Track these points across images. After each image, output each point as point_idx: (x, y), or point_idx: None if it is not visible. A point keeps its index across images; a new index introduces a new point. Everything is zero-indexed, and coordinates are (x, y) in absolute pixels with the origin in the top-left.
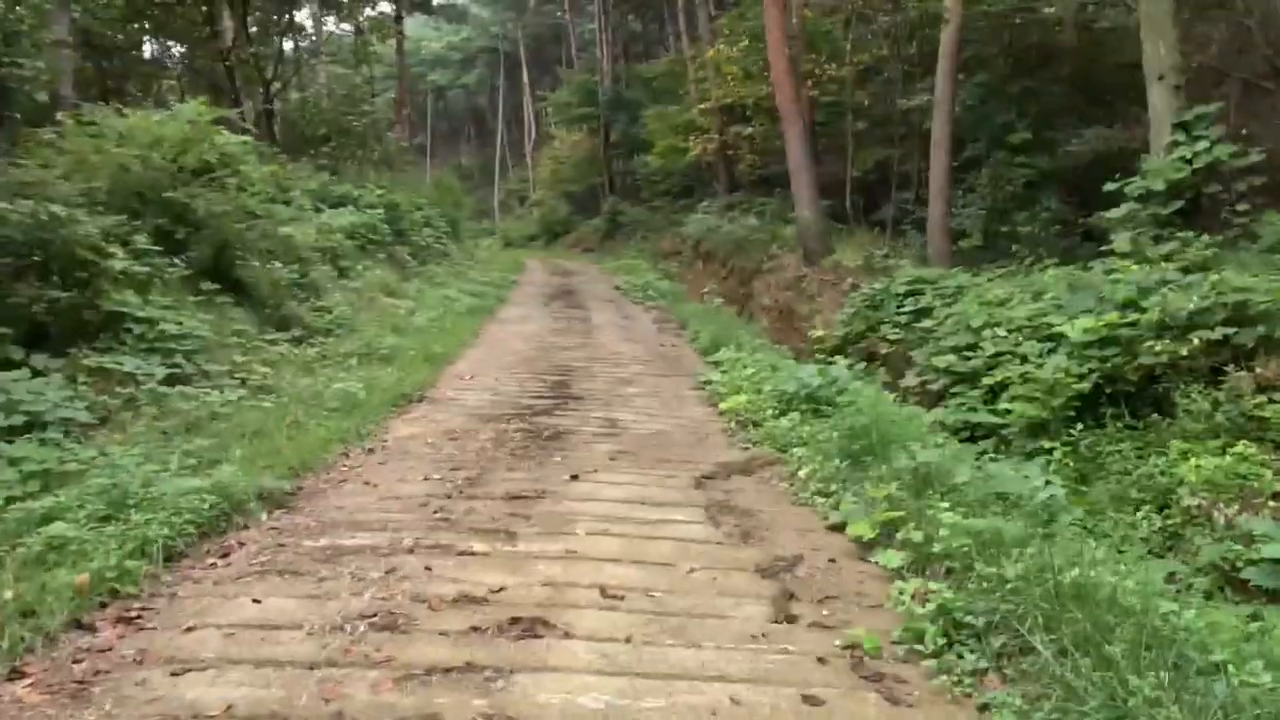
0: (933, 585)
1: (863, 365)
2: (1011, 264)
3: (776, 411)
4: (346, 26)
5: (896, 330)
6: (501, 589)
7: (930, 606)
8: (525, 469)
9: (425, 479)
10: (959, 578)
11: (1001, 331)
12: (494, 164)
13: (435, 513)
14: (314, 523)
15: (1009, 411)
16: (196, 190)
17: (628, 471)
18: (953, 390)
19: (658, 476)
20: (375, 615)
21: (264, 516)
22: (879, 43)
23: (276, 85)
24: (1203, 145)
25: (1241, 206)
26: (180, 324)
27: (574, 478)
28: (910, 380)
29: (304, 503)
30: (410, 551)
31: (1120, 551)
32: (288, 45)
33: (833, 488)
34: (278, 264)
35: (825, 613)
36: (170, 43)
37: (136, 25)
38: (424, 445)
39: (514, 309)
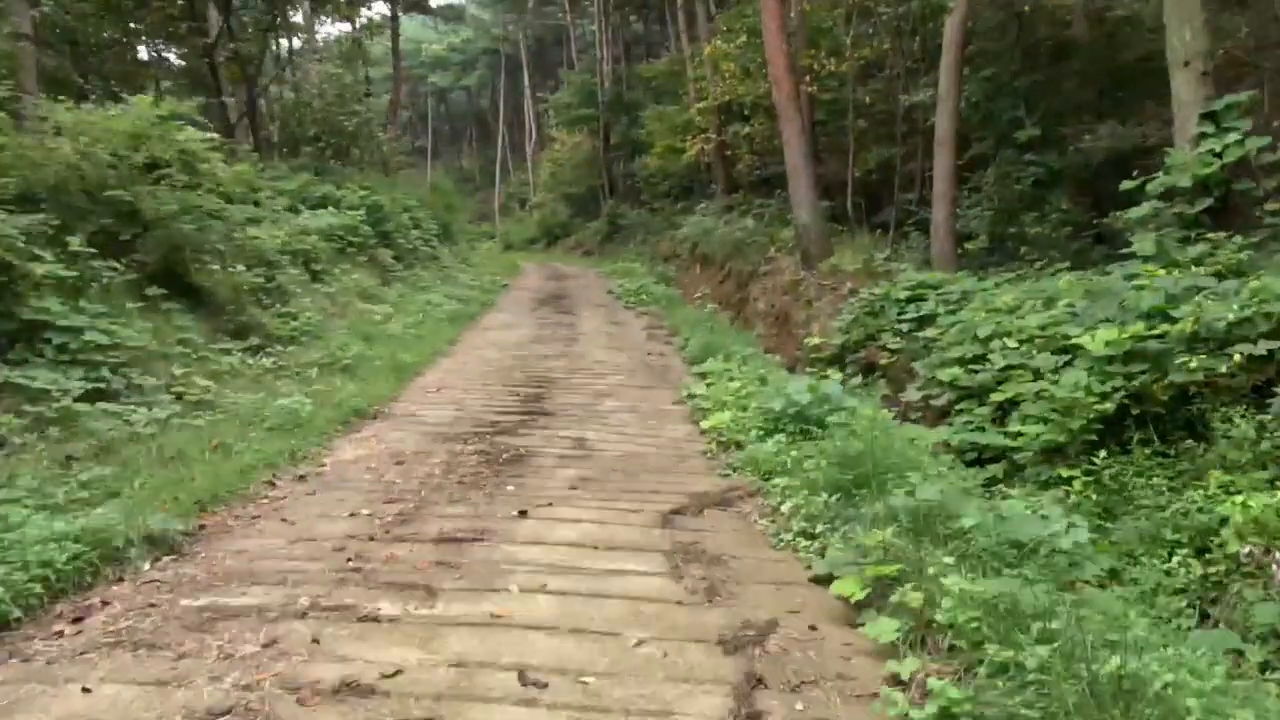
0: (933, 665)
1: (861, 377)
2: (1020, 268)
3: (762, 432)
4: (345, 26)
5: (897, 339)
6: (397, 672)
7: (929, 710)
8: (470, 502)
9: (351, 515)
10: (966, 659)
11: (1011, 342)
12: (495, 166)
13: (349, 560)
14: (202, 574)
15: (1020, 433)
16: (145, 189)
17: (587, 505)
18: (958, 406)
19: (620, 511)
20: (228, 713)
21: (145, 566)
22: (881, 37)
23: (263, 83)
24: (1233, 137)
25: (1272, 205)
26: (111, 333)
27: (523, 513)
28: (912, 395)
29: (201, 547)
30: (302, 616)
31: (1159, 620)
32: (281, 44)
33: (819, 528)
34: (240, 268)
35: (799, 707)
36: (151, 39)
37: (109, 19)
38: (365, 471)
39: (499, 315)
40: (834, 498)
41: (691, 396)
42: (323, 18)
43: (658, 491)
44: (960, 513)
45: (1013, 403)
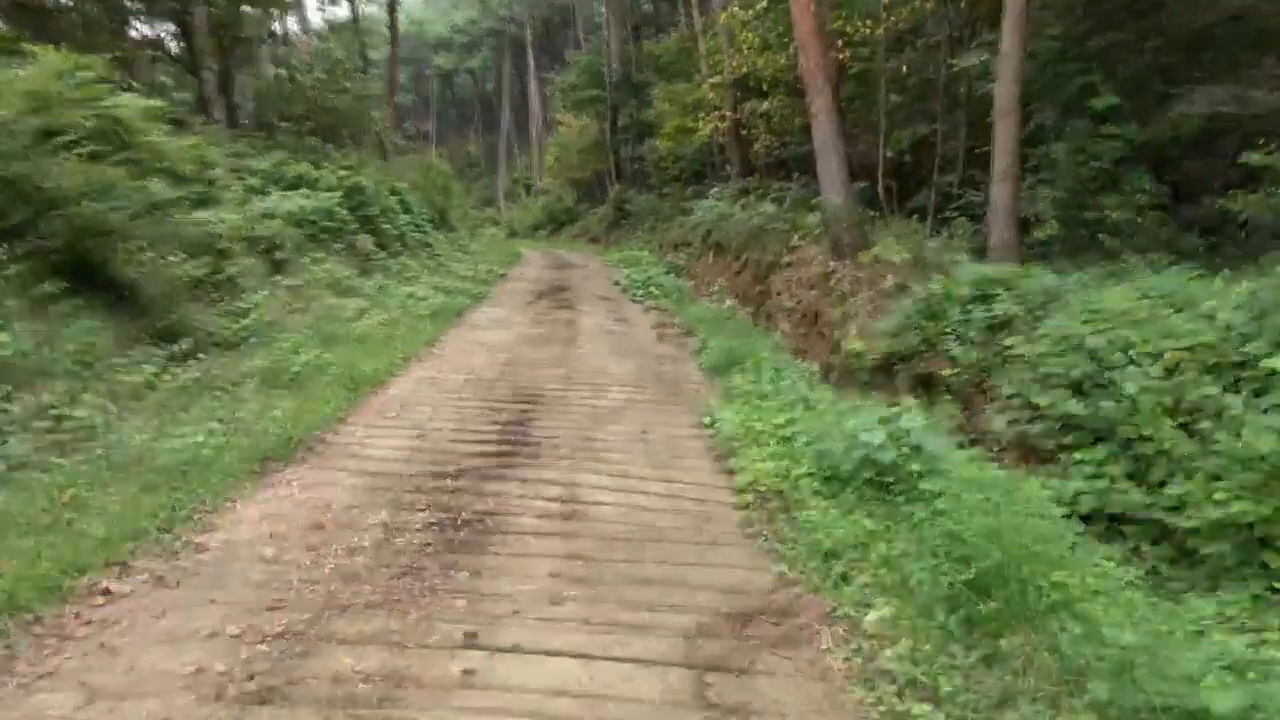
0: None
1: (915, 393)
2: (1102, 260)
3: (818, 488)
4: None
5: (966, 348)
6: None
7: None
8: (398, 610)
9: (211, 636)
10: None
11: (1146, 361)
12: (499, 151)
13: None
14: None
15: (1184, 500)
16: (49, 162)
17: (570, 620)
18: (1068, 445)
19: (621, 635)
20: None
21: None
22: None
23: (242, 54)
24: None
25: None
26: None
27: (470, 638)
28: (996, 423)
29: None
30: None
31: None
32: (274, 23)
33: (943, 687)
34: (179, 257)
35: None
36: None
37: None
38: (264, 547)
39: (490, 310)
40: (952, 617)
41: (714, 423)
42: None
43: (678, 590)
44: (1192, 675)
45: (1163, 450)
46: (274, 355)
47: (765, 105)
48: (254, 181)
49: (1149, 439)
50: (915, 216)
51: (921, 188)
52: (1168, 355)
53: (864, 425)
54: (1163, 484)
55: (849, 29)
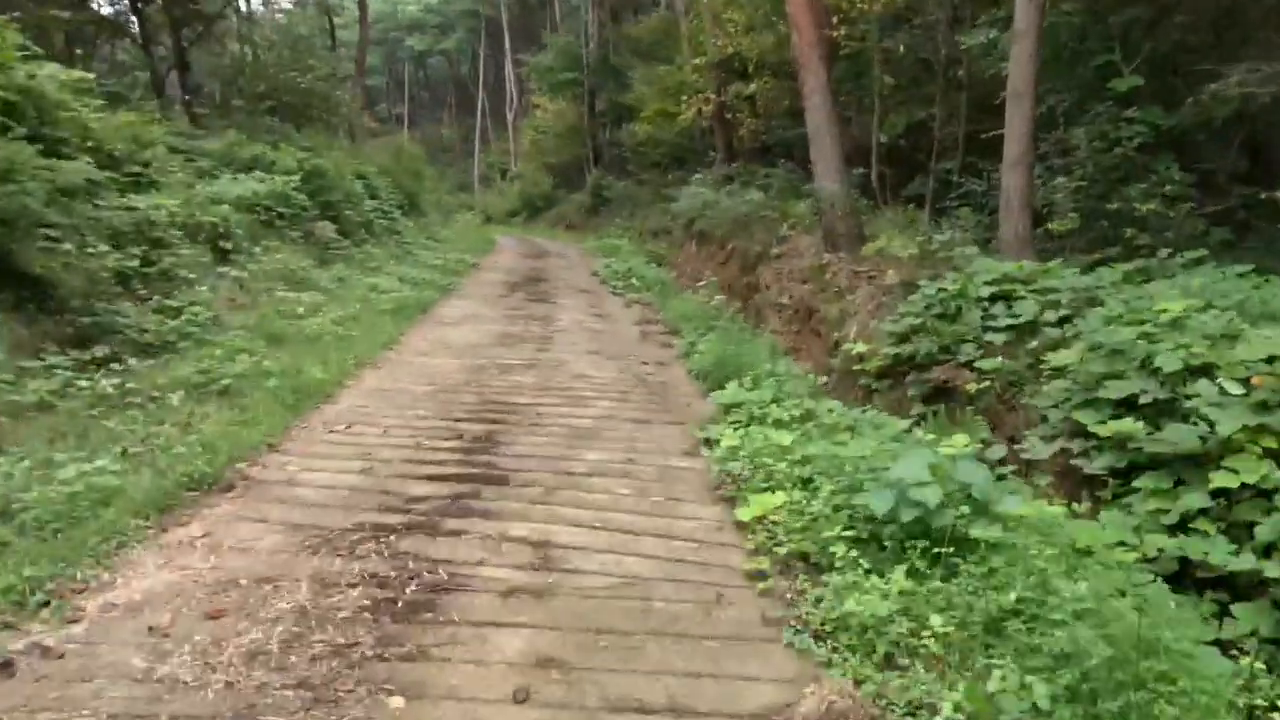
0: None
1: (929, 405)
2: (1127, 255)
3: (849, 543)
4: None
5: (990, 356)
6: None
7: None
8: None
9: None
10: None
11: (1226, 382)
12: (475, 135)
13: None
14: None
15: None
16: None
17: None
18: (1129, 481)
19: None
20: None
21: None
22: None
23: (196, 31)
24: None
25: None
26: None
27: None
28: (1038, 449)
29: None
30: None
31: None
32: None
33: None
34: (105, 247)
35: None
36: None
37: None
38: (143, 635)
39: (460, 304)
40: None
41: (712, 444)
42: None
43: (684, 709)
44: None
45: (1265, 491)
46: (207, 361)
47: (751, 88)
48: (204, 164)
49: (1234, 471)
50: (911, 205)
51: (916, 175)
52: (1257, 379)
53: (911, 472)
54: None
55: (844, 3)
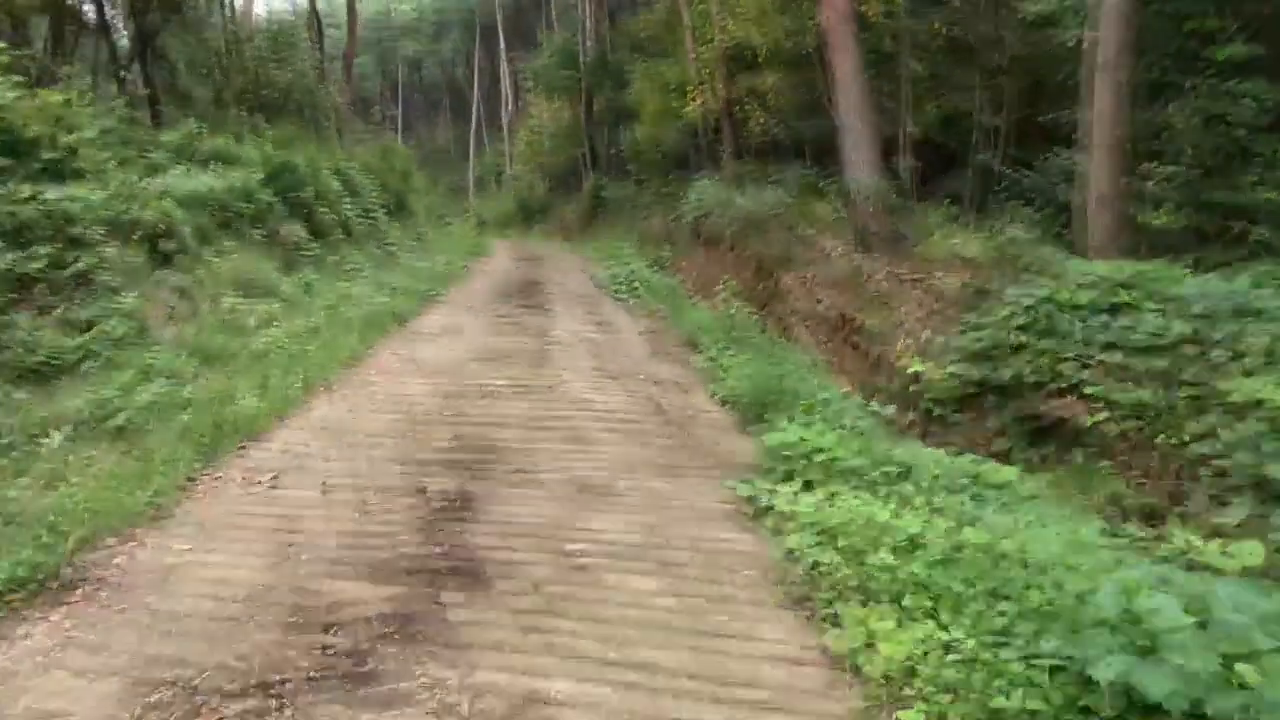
0: None
1: (1031, 447)
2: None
3: None
4: None
5: (1114, 380)
6: None
7: None
8: None
9: None
10: None
11: None
12: (469, 139)
13: None
14: None
15: None
16: None
17: None
18: None
19: None
20: None
21: None
22: None
23: (155, 18)
24: None
25: None
26: None
27: None
28: (1231, 512)
29: None
30: None
31: None
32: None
33: None
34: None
35: None
36: None
37: None
38: None
39: (442, 314)
40: None
41: (771, 517)
42: None
43: None
44: None
45: None
46: (109, 389)
47: (765, 79)
48: (158, 157)
49: None
50: (948, 202)
51: (950, 169)
52: None
53: (1167, 618)
54: None
55: None
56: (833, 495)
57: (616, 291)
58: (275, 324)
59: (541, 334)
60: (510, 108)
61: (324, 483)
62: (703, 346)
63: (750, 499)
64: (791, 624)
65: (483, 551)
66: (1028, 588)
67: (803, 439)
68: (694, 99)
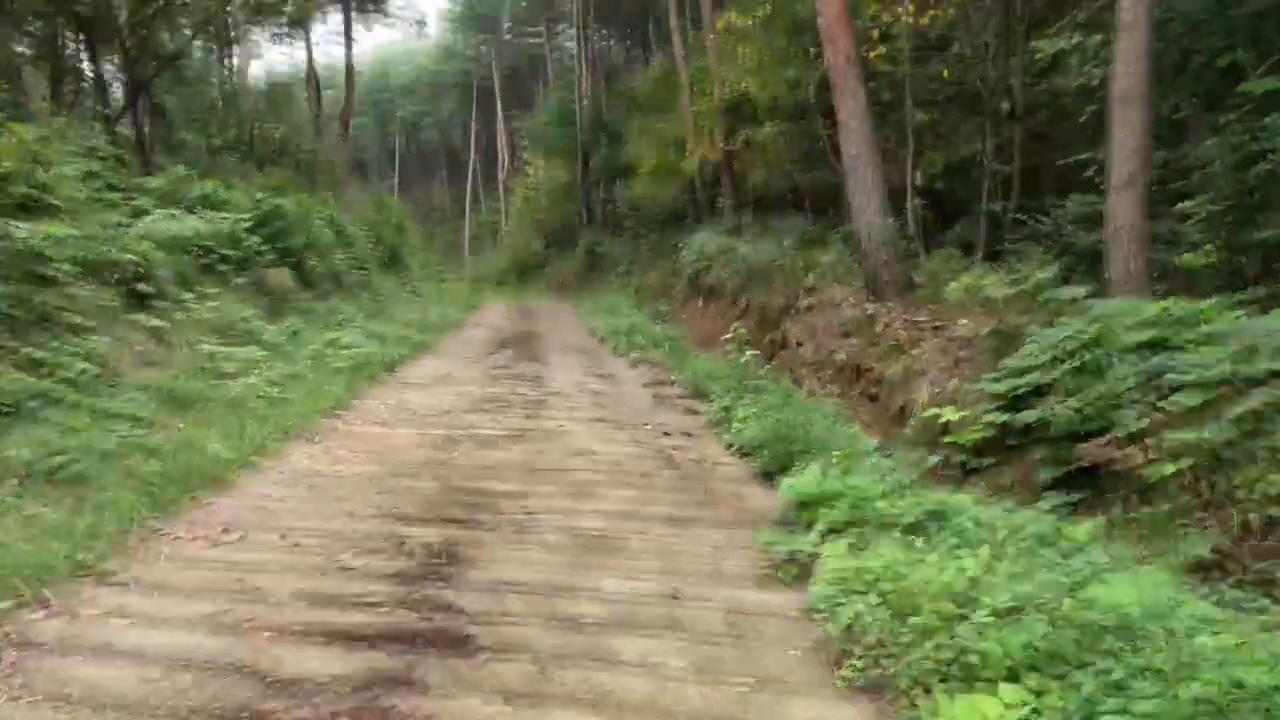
0: None
1: (1079, 496)
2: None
3: None
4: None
5: (1178, 426)
6: None
7: None
8: None
9: None
10: None
11: None
12: (465, 198)
13: None
14: None
15: None
16: None
17: None
18: None
19: None
20: None
21: None
22: None
23: (150, 66)
24: None
25: None
26: None
27: None
28: None
29: None
30: None
31: None
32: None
33: None
34: None
35: None
36: None
37: None
38: None
39: (434, 363)
40: None
41: (802, 565)
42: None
43: None
44: None
45: None
46: (59, 434)
47: (764, 130)
48: (143, 202)
49: None
50: (961, 252)
51: (960, 218)
52: None
53: None
54: None
55: (888, 15)
56: (877, 549)
57: (616, 344)
58: (255, 371)
59: (538, 383)
60: (506, 167)
61: (286, 551)
62: (713, 396)
63: (781, 553)
64: (865, 715)
65: (469, 618)
66: (1186, 672)
67: (844, 489)
68: (692, 152)
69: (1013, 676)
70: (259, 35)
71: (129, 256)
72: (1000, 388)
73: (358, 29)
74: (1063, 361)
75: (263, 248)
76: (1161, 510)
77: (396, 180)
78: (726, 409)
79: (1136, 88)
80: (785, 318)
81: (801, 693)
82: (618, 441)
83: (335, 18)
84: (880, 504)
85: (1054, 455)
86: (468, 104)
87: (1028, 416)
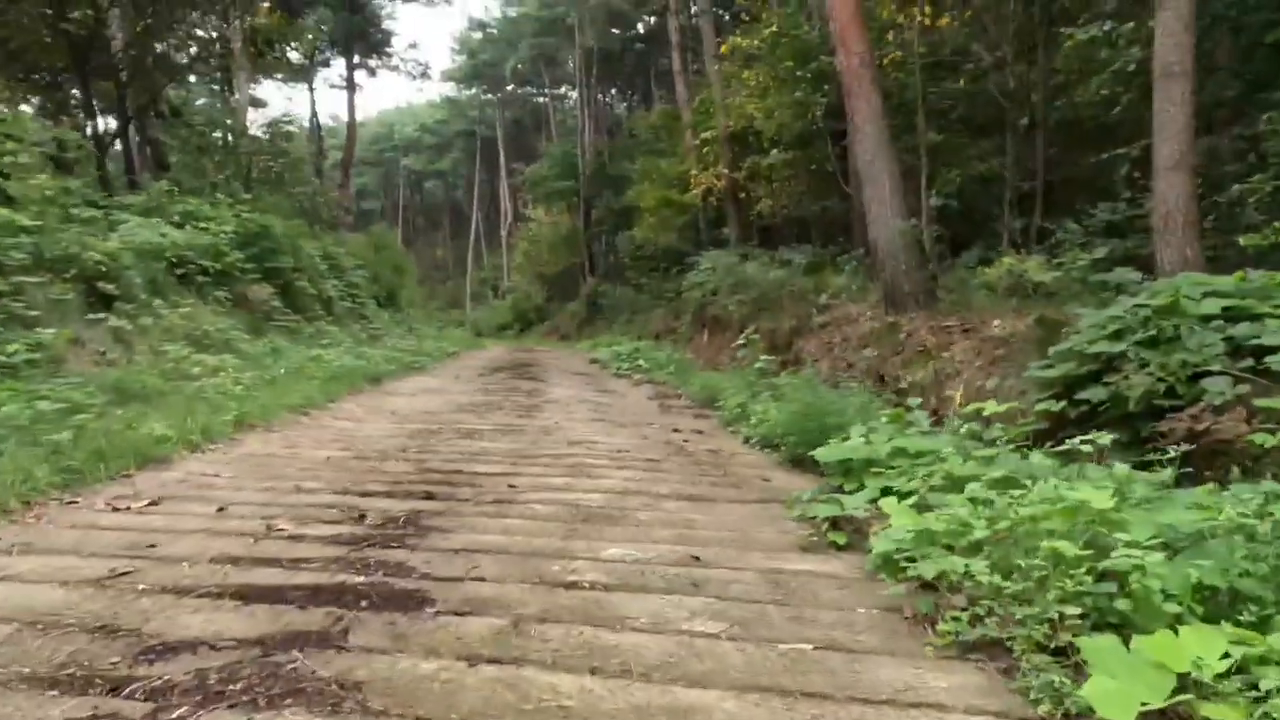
0: None
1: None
2: None
3: None
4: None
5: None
6: None
7: None
8: None
9: None
10: None
11: None
12: (468, 251)
13: None
14: None
15: None
16: None
17: None
18: None
19: None
20: None
21: None
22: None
23: (142, 97)
24: None
25: None
26: None
27: None
28: None
29: None
30: None
31: None
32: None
33: None
34: None
35: None
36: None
37: None
38: None
39: (423, 379)
40: None
41: (859, 544)
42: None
43: None
44: None
45: None
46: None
47: (770, 157)
48: (121, 216)
49: None
50: (981, 268)
51: (977, 239)
52: None
53: None
54: None
55: (901, 18)
56: (967, 508)
57: (618, 368)
58: (223, 373)
59: (534, 394)
60: (509, 220)
61: (221, 508)
62: (724, 401)
63: (821, 521)
64: (975, 681)
65: (424, 577)
66: None
67: (900, 447)
68: (698, 183)
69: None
70: (265, 80)
71: (92, 255)
72: (1053, 373)
73: (362, 75)
74: (1132, 333)
75: (247, 265)
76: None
77: (400, 235)
78: (742, 405)
79: (1180, 62)
80: (797, 337)
81: (883, 655)
82: (620, 436)
83: (340, 60)
84: (944, 464)
85: (1130, 433)
86: (471, 157)
87: (1096, 394)
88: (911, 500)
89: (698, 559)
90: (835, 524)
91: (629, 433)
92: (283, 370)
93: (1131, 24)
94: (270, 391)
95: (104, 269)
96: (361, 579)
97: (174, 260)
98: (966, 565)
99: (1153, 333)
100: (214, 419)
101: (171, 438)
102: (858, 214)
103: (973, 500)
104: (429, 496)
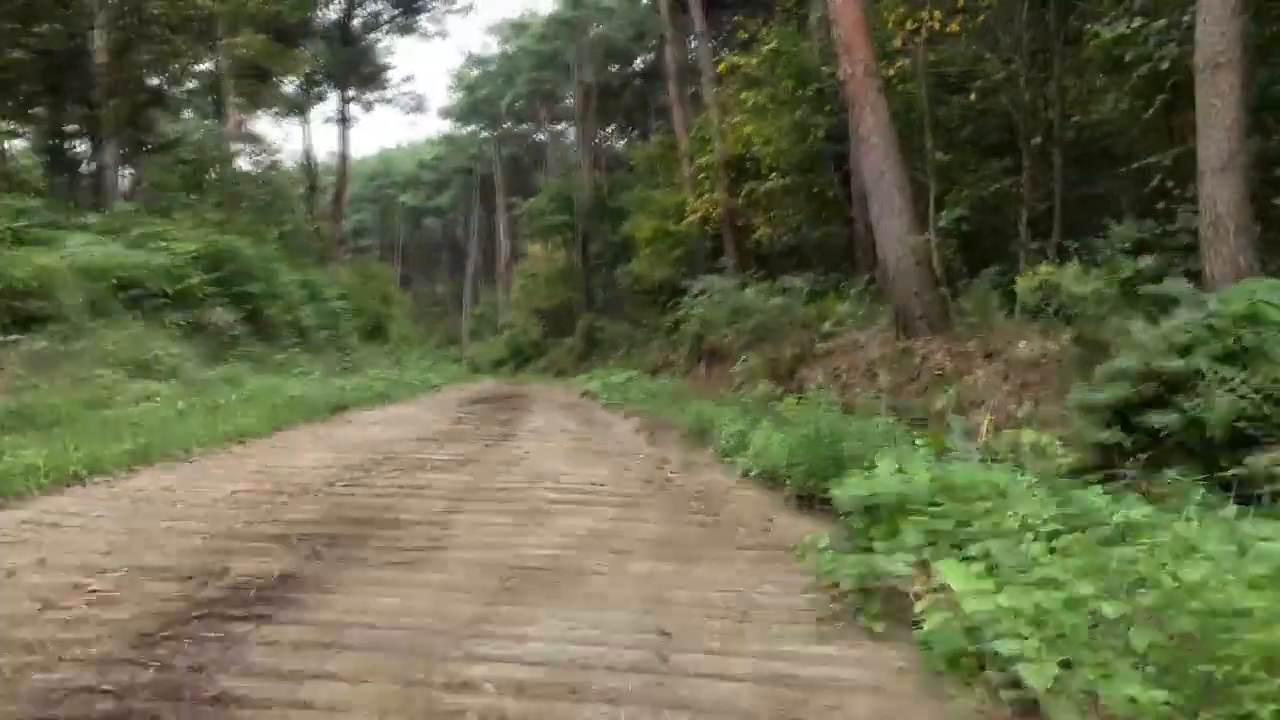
0: None
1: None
2: None
3: None
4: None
5: None
6: None
7: None
8: None
9: None
10: None
11: None
12: (465, 289)
13: None
14: None
15: None
16: None
17: None
18: None
19: None
20: None
21: None
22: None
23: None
24: None
25: None
26: None
27: None
28: None
29: None
30: None
31: None
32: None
33: None
34: None
35: None
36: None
37: None
38: None
39: (393, 409)
40: None
41: (903, 618)
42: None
43: None
44: None
45: None
46: None
47: (770, 182)
48: (76, 235)
49: None
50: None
51: (989, 263)
52: None
53: None
54: None
55: (912, 23)
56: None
57: (607, 399)
58: (156, 399)
59: (509, 424)
60: (506, 256)
61: (41, 559)
62: (719, 428)
63: (851, 592)
64: None
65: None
66: None
67: (948, 483)
68: (695, 210)
69: None
70: (260, 115)
71: (19, 272)
72: (1102, 397)
73: (358, 110)
74: (1204, 344)
75: (211, 289)
76: None
77: (399, 272)
78: (741, 434)
79: (1228, 51)
80: (800, 365)
81: None
82: (595, 469)
83: (334, 94)
84: (1007, 502)
85: (1202, 466)
86: (469, 193)
87: (1164, 420)
88: (976, 558)
89: (665, 659)
90: (864, 589)
91: (608, 465)
92: (234, 398)
93: (1164, 21)
94: (205, 420)
95: (31, 288)
96: (136, 683)
97: (120, 281)
98: (1105, 668)
99: (1232, 345)
100: (110, 450)
101: (40, 469)
102: (861, 239)
103: (1064, 554)
104: (328, 545)
